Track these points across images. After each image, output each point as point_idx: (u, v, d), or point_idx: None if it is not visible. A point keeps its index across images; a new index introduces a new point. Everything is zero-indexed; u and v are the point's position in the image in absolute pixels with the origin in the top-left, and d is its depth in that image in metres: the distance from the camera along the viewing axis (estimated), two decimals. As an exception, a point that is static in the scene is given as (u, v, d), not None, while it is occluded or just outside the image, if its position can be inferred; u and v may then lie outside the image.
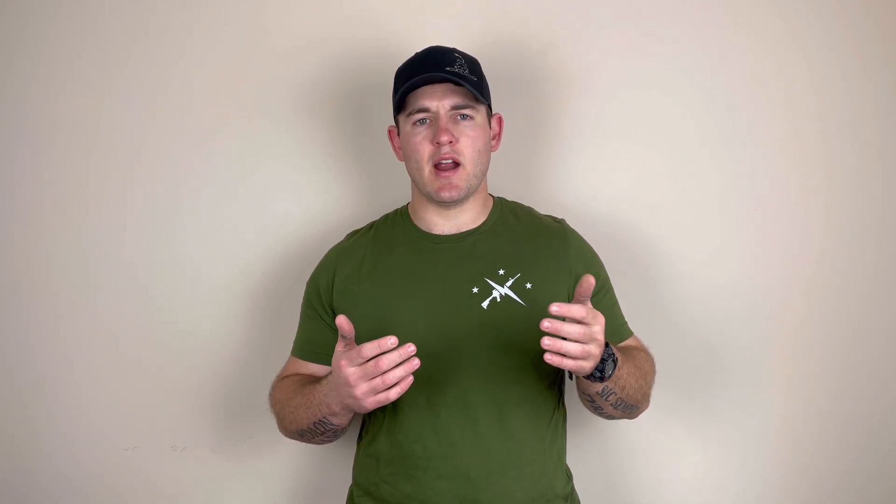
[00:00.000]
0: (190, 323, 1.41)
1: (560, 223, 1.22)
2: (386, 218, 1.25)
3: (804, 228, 1.39)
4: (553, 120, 1.40)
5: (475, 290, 1.11)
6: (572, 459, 1.22)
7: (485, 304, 1.10)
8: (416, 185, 1.16)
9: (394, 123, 1.19)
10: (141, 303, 1.40)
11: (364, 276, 1.16)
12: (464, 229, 1.17)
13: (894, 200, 1.38)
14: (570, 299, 1.13)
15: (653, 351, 1.20)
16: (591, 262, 1.19)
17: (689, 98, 1.39)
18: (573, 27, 1.39)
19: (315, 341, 1.19)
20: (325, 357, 1.17)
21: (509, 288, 1.11)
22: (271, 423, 1.40)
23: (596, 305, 1.11)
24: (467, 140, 1.11)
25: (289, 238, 1.40)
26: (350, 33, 1.40)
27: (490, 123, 1.17)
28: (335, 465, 1.41)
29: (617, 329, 1.19)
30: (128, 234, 1.40)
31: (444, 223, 1.17)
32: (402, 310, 1.12)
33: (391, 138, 1.21)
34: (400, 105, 1.13)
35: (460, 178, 1.11)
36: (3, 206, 1.40)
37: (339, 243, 1.25)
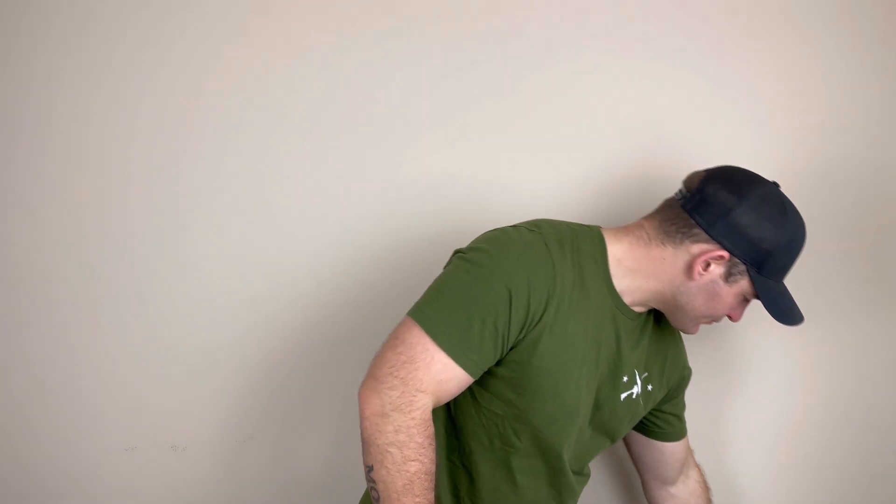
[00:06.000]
0: (190, 322, 1.40)
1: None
2: (581, 249, 1.01)
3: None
4: (551, 120, 1.39)
5: (625, 379, 1.06)
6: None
7: (622, 396, 1.06)
8: (676, 304, 1.02)
9: (723, 253, 0.98)
10: (141, 302, 1.40)
11: (562, 311, 0.97)
12: (637, 308, 1.06)
13: (893, 200, 1.38)
14: (668, 397, 1.18)
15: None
16: (686, 357, 1.20)
17: (688, 99, 1.38)
18: (572, 27, 1.39)
19: (486, 358, 0.95)
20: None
21: (640, 385, 1.08)
22: (271, 423, 1.42)
23: (678, 399, 1.20)
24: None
25: (287, 236, 1.40)
26: (349, 22, 1.37)
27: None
28: (335, 464, 1.41)
29: (683, 425, 1.23)
30: (128, 233, 1.40)
31: (632, 297, 1.04)
32: (576, 377, 1.00)
33: (705, 259, 0.98)
34: (767, 274, 0.99)
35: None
36: (1, 205, 1.40)
37: (545, 241, 0.98)
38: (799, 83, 1.37)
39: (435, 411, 1.00)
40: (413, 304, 0.98)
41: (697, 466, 1.29)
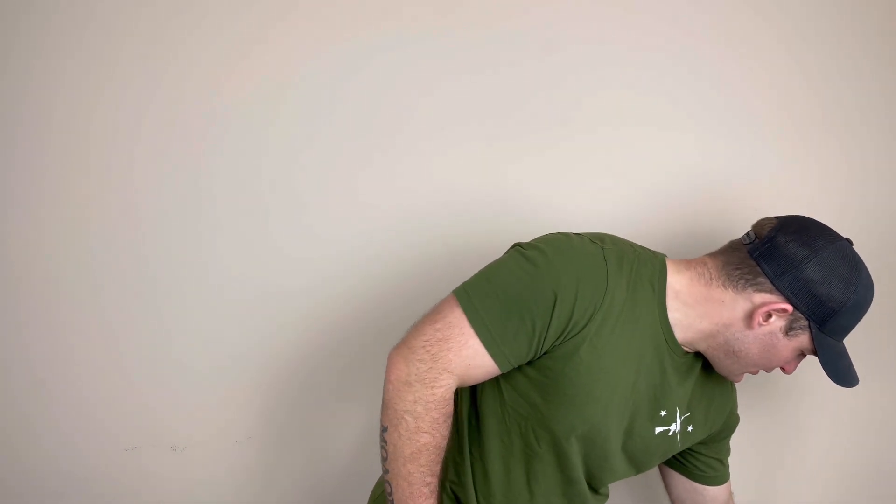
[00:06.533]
0: (190, 322, 1.40)
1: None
2: (641, 272, 0.99)
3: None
4: (552, 122, 1.39)
5: (663, 413, 1.04)
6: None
7: (657, 430, 1.04)
8: (728, 350, 1.00)
9: (787, 306, 0.95)
10: (141, 303, 1.40)
11: (606, 328, 0.95)
12: (686, 347, 1.04)
13: (892, 201, 1.38)
14: (710, 440, 1.16)
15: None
16: (735, 404, 1.17)
17: (687, 101, 1.38)
18: (576, 27, 1.38)
19: (517, 355, 0.95)
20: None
21: (678, 424, 1.06)
22: (271, 422, 1.42)
23: (722, 444, 1.18)
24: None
25: (287, 238, 1.39)
26: (358, 22, 1.36)
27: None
28: (336, 464, 1.41)
29: (726, 470, 1.21)
30: (127, 234, 1.39)
31: (684, 333, 1.02)
32: (606, 396, 0.98)
33: (767, 310, 0.96)
34: (828, 332, 0.96)
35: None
36: (1, 202, 1.40)
37: (605, 255, 0.97)
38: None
39: (461, 401, 1.04)
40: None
41: None
